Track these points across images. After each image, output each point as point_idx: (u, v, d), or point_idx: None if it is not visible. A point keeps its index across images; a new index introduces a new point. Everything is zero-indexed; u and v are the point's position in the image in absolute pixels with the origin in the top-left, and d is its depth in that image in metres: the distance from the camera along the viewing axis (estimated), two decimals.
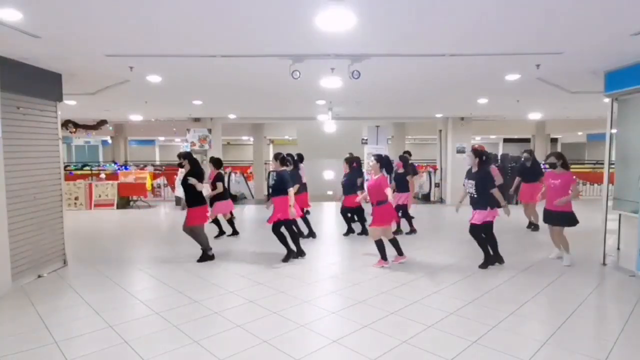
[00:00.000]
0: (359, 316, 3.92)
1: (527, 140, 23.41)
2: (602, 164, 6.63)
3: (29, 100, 5.13)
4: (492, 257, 5.52)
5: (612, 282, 5.04)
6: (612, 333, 3.58)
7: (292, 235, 5.95)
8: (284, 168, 5.94)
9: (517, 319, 3.87)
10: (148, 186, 12.17)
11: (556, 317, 3.88)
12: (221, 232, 7.52)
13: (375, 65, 5.22)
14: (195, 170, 5.85)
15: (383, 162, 5.58)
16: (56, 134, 5.62)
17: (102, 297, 4.48)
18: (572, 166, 15.16)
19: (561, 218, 5.51)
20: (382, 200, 5.38)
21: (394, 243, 5.65)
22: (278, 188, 5.73)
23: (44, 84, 5.38)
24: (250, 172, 16.42)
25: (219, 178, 7.10)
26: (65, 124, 12.15)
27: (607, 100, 5.76)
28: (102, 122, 13.43)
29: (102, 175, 12.76)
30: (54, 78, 5.56)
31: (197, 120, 12.55)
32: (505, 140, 26.41)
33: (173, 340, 3.44)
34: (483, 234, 5.45)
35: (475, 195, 5.38)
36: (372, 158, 5.66)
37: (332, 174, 10.81)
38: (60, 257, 5.69)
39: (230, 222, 7.66)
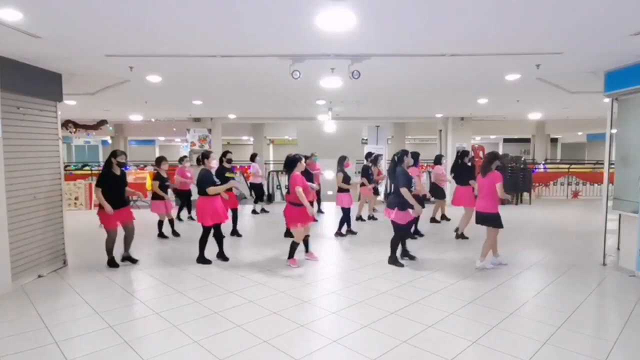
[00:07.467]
0: (359, 316, 3.92)
1: (527, 140, 23.44)
2: (602, 164, 6.63)
3: (29, 100, 5.13)
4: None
5: (612, 282, 5.04)
6: (612, 333, 3.58)
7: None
8: (205, 167, 5.66)
9: (517, 319, 3.87)
10: (148, 186, 12.15)
11: (556, 317, 3.88)
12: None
13: (375, 65, 5.22)
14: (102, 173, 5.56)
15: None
16: (56, 134, 5.62)
17: (102, 297, 4.48)
18: (572, 166, 15.25)
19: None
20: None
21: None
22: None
23: (44, 84, 5.37)
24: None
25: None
26: (65, 124, 12.14)
27: (607, 100, 5.76)
28: (102, 122, 13.42)
29: None
30: (54, 78, 5.56)
31: (197, 120, 12.56)
32: (505, 140, 26.43)
33: (173, 340, 3.44)
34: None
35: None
36: None
37: (332, 174, 10.93)
38: (60, 257, 5.69)
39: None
